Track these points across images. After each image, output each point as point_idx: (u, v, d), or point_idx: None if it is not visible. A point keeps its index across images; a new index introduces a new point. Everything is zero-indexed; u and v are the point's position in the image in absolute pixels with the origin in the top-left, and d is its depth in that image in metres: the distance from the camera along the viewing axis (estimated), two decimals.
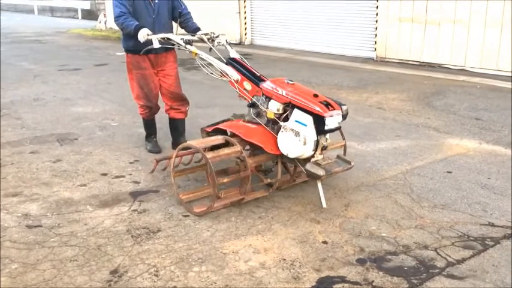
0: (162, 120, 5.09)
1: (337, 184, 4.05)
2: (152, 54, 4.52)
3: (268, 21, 12.93)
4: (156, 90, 4.73)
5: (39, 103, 7.01)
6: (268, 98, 3.74)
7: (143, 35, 4.14)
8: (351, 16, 10.81)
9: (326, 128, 3.45)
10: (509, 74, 8.20)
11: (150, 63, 4.60)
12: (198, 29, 4.53)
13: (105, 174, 4.35)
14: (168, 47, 4.29)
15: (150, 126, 4.99)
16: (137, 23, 4.28)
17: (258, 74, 3.98)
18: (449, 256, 2.98)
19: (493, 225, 3.37)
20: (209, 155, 3.48)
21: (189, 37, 4.27)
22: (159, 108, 4.90)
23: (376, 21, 10.16)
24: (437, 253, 3.02)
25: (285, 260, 2.97)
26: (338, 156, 3.83)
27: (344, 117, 3.59)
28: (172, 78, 4.71)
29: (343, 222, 3.44)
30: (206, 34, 4.38)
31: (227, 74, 4.01)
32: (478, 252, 3.03)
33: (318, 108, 3.42)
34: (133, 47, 4.46)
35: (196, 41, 4.29)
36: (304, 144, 3.44)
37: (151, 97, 4.73)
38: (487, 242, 3.14)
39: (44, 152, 4.93)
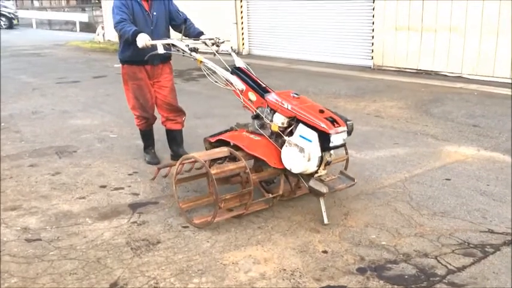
0: (159, 131, 5.10)
1: (336, 193, 4.03)
2: (149, 66, 4.54)
3: (265, 31, 13.01)
4: (152, 101, 4.73)
5: (38, 116, 7.02)
6: (273, 111, 3.68)
7: (144, 40, 4.11)
8: (347, 25, 10.88)
9: (331, 144, 3.38)
10: (506, 81, 8.23)
11: (147, 74, 4.62)
12: (202, 33, 4.51)
13: (104, 187, 4.35)
14: (166, 54, 4.28)
15: (147, 137, 4.99)
16: (136, 28, 4.26)
17: (264, 85, 3.91)
18: (450, 264, 2.98)
19: (492, 232, 3.37)
20: (214, 170, 3.44)
21: (191, 41, 4.25)
22: (155, 118, 4.90)
23: (373, 29, 10.22)
24: (438, 261, 3.01)
25: (285, 270, 2.97)
26: (341, 172, 3.78)
27: (349, 133, 3.52)
28: (167, 89, 4.71)
29: (343, 231, 3.44)
30: (211, 39, 4.35)
31: (232, 84, 3.97)
32: (479, 259, 3.03)
33: (323, 125, 3.36)
34: (130, 58, 4.49)
35: (202, 52, 4.26)
36: (309, 160, 3.39)
37: (147, 108, 4.74)
38: (487, 249, 3.13)
39: (43, 165, 4.93)
